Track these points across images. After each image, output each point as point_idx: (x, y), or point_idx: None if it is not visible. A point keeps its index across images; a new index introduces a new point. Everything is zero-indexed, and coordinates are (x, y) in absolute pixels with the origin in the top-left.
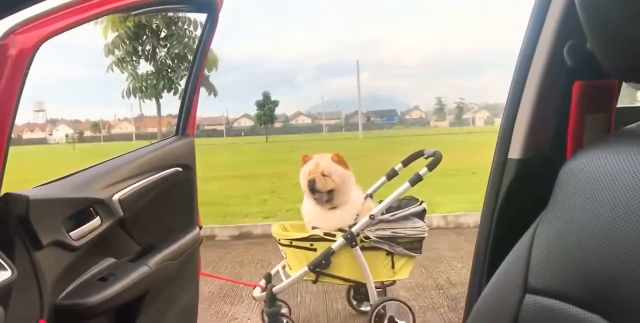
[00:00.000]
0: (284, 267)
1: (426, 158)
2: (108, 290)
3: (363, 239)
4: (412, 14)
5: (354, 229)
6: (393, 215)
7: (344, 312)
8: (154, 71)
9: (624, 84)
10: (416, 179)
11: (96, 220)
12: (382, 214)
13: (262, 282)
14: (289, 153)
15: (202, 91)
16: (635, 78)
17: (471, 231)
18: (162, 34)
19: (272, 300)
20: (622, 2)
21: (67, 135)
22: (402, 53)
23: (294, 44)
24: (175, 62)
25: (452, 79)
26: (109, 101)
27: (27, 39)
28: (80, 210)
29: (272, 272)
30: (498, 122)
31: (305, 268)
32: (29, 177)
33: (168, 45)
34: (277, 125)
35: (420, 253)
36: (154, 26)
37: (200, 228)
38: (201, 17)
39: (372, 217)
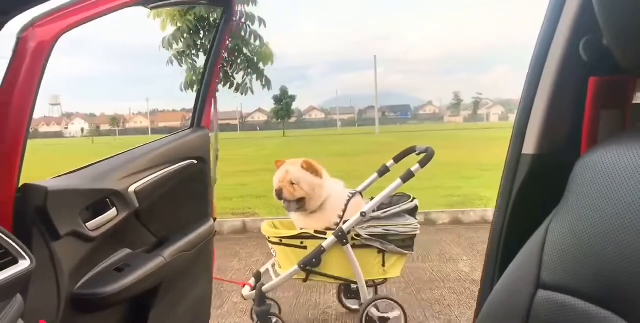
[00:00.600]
0: (274, 265)
1: (418, 154)
2: (124, 281)
3: (354, 237)
4: (425, 8)
5: (344, 227)
6: (385, 212)
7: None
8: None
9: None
10: (408, 176)
11: (112, 211)
12: (374, 211)
13: (252, 281)
14: (313, 147)
15: (257, 85)
16: None
17: None
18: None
19: (261, 299)
20: None
21: (82, 129)
22: (414, 48)
23: (306, 40)
24: (232, 55)
25: (464, 74)
26: (124, 96)
27: (45, 32)
28: (97, 201)
29: (262, 270)
30: (512, 118)
31: (296, 267)
32: (57, 170)
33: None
34: (291, 120)
35: (412, 251)
36: (211, 19)
37: (215, 220)
38: (258, 11)
39: (363, 214)
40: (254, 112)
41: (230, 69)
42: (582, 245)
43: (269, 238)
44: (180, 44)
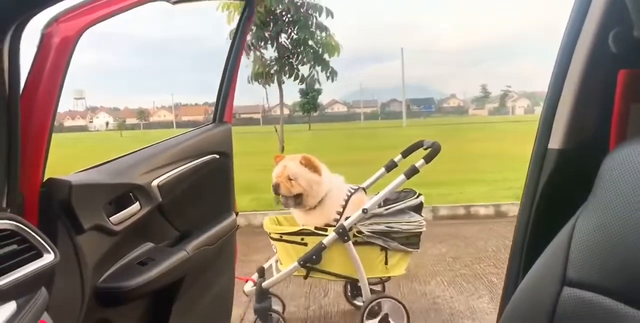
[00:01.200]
0: (277, 261)
1: (425, 149)
2: (147, 274)
3: (356, 234)
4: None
5: (346, 223)
6: (387, 208)
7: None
8: (277, 56)
9: None
10: (412, 171)
11: (136, 206)
12: (377, 208)
13: (255, 276)
14: (341, 140)
15: (322, 76)
16: None
17: None
18: (287, 19)
19: (261, 295)
20: None
21: (107, 123)
22: (437, 40)
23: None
24: (298, 47)
25: (487, 66)
26: (146, 90)
27: (69, 27)
28: (121, 196)
29: (266, 266)
30: (538, 111)
31: (295, 264)
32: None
33: (290, 30)
34: (313, 113)
35: (418, 249)
36: (278, 11)
37: (237, 214)
38: (327, 3)
39: (364, 210)
40: (275, 105)
41: (295, 61)
42: (610, 242)
43: (269, 234)
44: (252, 36)
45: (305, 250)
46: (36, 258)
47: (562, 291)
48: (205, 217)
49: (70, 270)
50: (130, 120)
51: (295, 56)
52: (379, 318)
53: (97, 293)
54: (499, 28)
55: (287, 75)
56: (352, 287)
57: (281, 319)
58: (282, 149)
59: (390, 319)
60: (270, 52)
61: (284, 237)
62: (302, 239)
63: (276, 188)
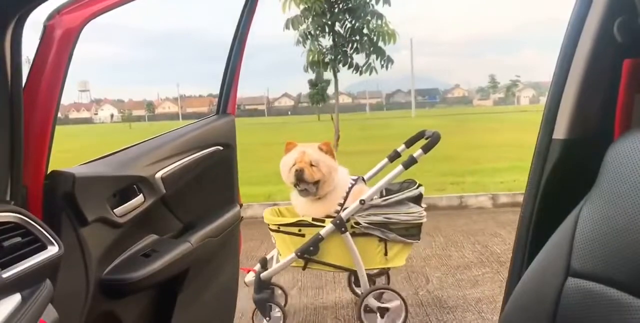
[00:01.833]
0: (278, 253)
1: (426, 139)
2: (151, 266)
3: (353, 225)
4: None
5: (343, 215)
6: (385, 199)
7: None
8: (332, 45)
9: None
10: (410, 162)
11: (139, 198)
12: (374, 199)
13: (257, 267)
14: (355, 131)
15: (378, 65)
16: None
17: None
18: (344, 7)
19: (260, 286)
20: None
21: (112, 115)
22: (441, 30)
23: None
24: (354, 35)
25: (491, 56)
26: (150, 81)
27: (72, 19)
28: (124, 188)
29: (268, 256)
30: (543, 101)
31: (293, 255)
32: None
33: (345, 19)
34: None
35: (418, 240)
36: (332, 0)
37: (241, 206)
38: None
39: (362, 201)
40: (280, 96)
41: (350, 50)
42: (615, 232)
43: (268, 225)
44: (304, 25)
45: (302, 241)
46: (40, 251)
47: (566, 281)
48: (209, 208)
49: (75, 262)
50: (135, 112)
51: (350, 44)
52: (376, 309)
53: (101, 285)
54: (503, 20)
55: (341, 64)
56: (357, 278)
57: (281, 312)
58: (338, 138)
59: (388, 311)
60: (324, 41)
61: (282, 228)
62: (300, 230)
63: (300, 173)
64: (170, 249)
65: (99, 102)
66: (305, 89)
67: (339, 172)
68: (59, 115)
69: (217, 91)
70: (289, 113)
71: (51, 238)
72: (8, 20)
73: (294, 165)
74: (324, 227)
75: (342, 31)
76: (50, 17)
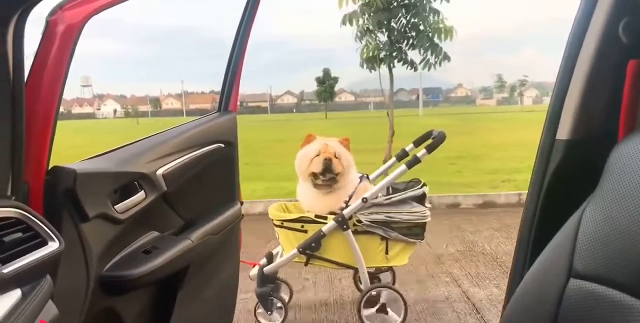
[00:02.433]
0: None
1: (432, 139)
2: (152, 263)
3: (355, 223)
4: None
5: (345, 212)
6: (388, 198)
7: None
8: (389, 41)
9: None
10: (413, 162)
11: (141, 194)
12: (377, 197)
13: (263, 261)
14: (369, 129)
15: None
16: None
17: None
18: (402, 4)
19: (263, 280)
20: None
21: (115, 110)
22: None
23: (328, 22)
24: (411, 32)
25: (492, 55)
26: (152, 77)
27: (74, 14)
28: (126, 184)
29: (275, 251)
30: (547, 101)
31: (295, 250)
32: None
33: (401, 15)
34: (330, 102)
35: (422, 240)
36: None
37: (242, 203)
38: None
39: (364, 200)
40: (283, 94)
41: (405, 46)
42: (618, 233)
43: (272, 220)
44: (361, 21)
45: (305, 237)
46: (41, 246)
47: (568, 283)
48: (210, 206)
49: (75, 258)
50: (140, 108)
51: (406, 41)
52: (376, 307)
53: (101, 281)
54: (501, 19)
55: (396, 60)
56: None
57: (282, 306)
58: (392, 134)
59: (388, 309)
60: (380, 37)
61: (285, 224)
62: (302, 226)
63: (329, 162)
64: (171, 246)
65: (102, 97)
66: (308, 87)
67: (353, 169)
68: (62, 109)
69: (219, 88)
70: (294, 110)
71: (52, 234)
72: (10, 15)
73: (317, 155)
74: (326, 223)
75: (396, 27)
76: (53, 12)
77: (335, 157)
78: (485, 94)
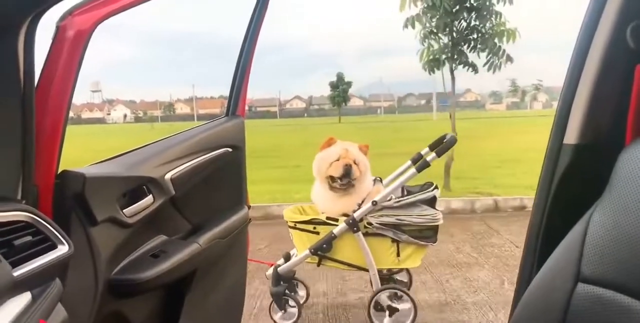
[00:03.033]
0: None
1: (444, 142)
2: (160, 267)
3: (366, 225)
4: None
5: (356, 214)
6: (398, 201)
7: None
8: (451, 43)
9: None
10: (423, 165)
11: (149, 198)
12: (388, 200)
13: (281, 261)
14: (385, 134)
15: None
16: None
17: None
18: (467, 6)
19: (277, 279)
20: None
21: (125, 115)
22: None
23: (335, 26)
24: (472, 34)
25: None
26: (162, 82)
27: (84, 20)
28: (134, 188)
29: (292, 252)
30: (556, 105)
31: (307, 251)
32: None
33: (462, 17)
34: (330, 107)
35: (434, 242)
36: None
37: (249, 208)
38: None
39: (374, 202)
40: (292, 99)
41: (467, 48)
42: (626, 238)
43: (287, 222)
44: (434, 23)
45: (317, 238)
46: (50, 250)
47: (575, 287)
48: (218, 210)
49: (84, 262)
50: (150, 113)
51: (467, 43)
52: (385, 307)
53: (110, 285)
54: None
55: (458, 62)
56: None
57: (296, 306)
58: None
59: (397, 311)
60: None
61: (298, 226)
62: (314, 228)
63: (348, 169)
64: (179, 250)
65: (112, 102)
66: (317, 92)
67: (369, 173)
68: (72, 114)
69: (227, 93)
70: (305, 115)
71: (61, 238)
72: (21, 21)
73: (337, 159)
74: (337, 225)
75: (457, 29)
76: (63, 18)
77: (355, 163)
78: (495, 98)
